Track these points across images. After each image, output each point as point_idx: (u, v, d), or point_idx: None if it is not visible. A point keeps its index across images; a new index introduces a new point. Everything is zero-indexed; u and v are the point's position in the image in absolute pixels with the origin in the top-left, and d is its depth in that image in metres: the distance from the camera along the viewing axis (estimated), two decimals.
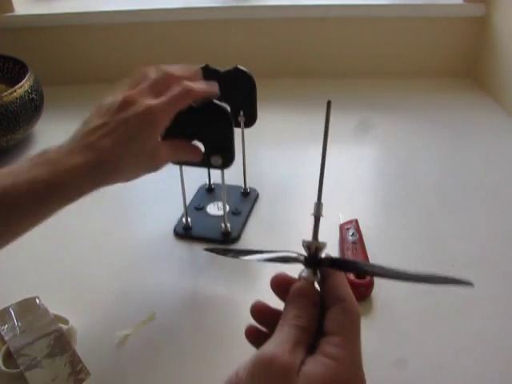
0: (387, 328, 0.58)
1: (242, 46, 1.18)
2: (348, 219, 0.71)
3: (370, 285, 0.61)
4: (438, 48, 1.18)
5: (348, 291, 0.33)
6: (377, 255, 0.66)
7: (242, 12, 1.16)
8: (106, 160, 0.50)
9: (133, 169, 0.53)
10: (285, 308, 0.33)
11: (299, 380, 0.27)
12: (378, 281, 0.62)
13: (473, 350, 0.56)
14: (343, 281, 0.33)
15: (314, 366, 0.28)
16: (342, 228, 0.70)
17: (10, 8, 1.14)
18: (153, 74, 0.55)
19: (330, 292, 0.33)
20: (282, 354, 0.28)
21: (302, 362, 0.29)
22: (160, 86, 0.53)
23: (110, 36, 1.19)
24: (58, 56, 1.19)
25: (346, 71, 1.21)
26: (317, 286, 0.35)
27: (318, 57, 1.21)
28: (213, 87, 0.57)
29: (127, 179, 0.54)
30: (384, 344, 0.57)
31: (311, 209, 0.35)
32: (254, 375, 0.28)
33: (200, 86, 0.55)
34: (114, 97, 0.52)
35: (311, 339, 0.31)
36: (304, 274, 0.34)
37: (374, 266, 0.35)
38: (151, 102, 0.51)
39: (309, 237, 0.35)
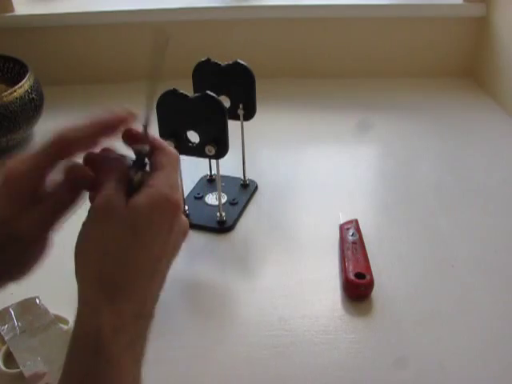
0: (387, 328, 0.58)
1: (242, 45, 1.17)
2: (348, 219, 0.71)
3: (370, 285, 0.61)
4: (438, 48, 1.18)
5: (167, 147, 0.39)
6: (377, 255, 0.66)
7: (243, 12, 1.16)
8: None
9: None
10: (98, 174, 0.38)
11: (124, 209, 0.34)
12: (377, 281, 0.62)
13: (473, 350, 0.56)
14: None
15: (138, 196, 0.35)
16: (342, 228, 0.70)
17: (10, 8, 1.14)
18: None
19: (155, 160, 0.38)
20: (106, 198, 0.35)
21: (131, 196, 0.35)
22: None
23: (109, 36, 1.19)
24: (58, 56, 1.19)
25: (345, 71, 1.21)
26: None
27: (317, 57, 1.21)
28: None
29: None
30: (384, 344, 0.57)
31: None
32: (92, 220, 0.37)
33: None
34: None
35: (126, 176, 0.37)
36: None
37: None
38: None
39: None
